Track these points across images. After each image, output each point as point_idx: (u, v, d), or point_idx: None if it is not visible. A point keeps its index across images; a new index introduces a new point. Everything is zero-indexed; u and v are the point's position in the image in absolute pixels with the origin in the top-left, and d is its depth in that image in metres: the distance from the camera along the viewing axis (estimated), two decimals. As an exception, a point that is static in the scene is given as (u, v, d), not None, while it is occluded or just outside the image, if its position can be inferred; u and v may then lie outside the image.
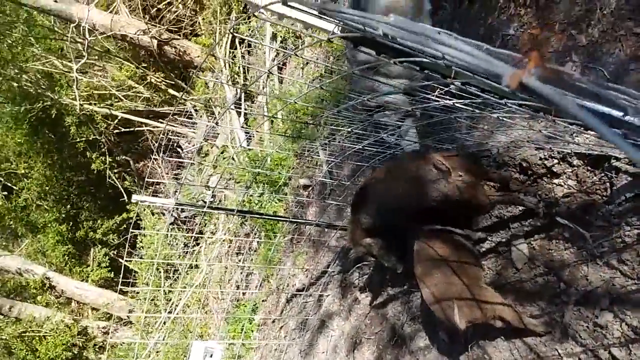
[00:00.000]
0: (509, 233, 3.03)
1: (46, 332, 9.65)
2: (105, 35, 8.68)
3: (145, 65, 9.92)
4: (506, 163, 3.10)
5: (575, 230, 2.58)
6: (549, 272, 2.70)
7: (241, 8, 8.38)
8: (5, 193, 11.34)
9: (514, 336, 2.74)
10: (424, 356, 3.35)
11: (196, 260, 8.17)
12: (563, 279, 2.60)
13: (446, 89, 2.11)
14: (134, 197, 3.44)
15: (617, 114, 1.21)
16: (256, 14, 1.70)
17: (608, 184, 2.54)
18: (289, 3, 1.51)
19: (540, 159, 2.87)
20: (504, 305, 2.63)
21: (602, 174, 2.58)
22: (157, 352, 6.84)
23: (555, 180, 2.82)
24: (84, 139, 10.37)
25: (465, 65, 1.11)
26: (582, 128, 2.02)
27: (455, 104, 2.11)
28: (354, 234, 3.34)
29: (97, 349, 10.30)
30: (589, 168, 2.66)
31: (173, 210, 9.19)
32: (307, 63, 6.59)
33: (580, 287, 2.50)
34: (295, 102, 4.29)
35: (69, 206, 11.45)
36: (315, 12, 1.55)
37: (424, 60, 1.51)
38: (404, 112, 3.07)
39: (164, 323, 7.42)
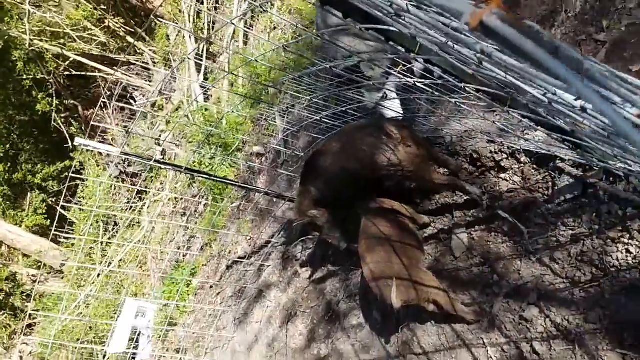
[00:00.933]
0: (452, 221, 3.07)
1: (-29, 275, 9.22)
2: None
3: (105, 7, 9.39)
4: (458, 152, 3.12)
5: (514, 224, 2.63)
6: (485, 263, 2.75)
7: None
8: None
9: (444, 321, 2.80)
10: (356, 334, 3.39)
11: (139, 216, 7.93)
12: (497, 271, 2.66)
13: (409, 65, 2.07)
14: (77, 140, 3.25)
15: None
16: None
17: (551, 183, 2.59)
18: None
19: (491, 152, 2.90)
20: (439, 290, 2.67)
21: (547, 173, 2.63)
22: (87, 305, 6.64)
23: (502, 175, 2.86)
24: (31, 76, 9.79)
25: (428, 22, 1.06)
26: (533, 123, 2.03)
27: (417, 83, 2.08)
28: (301, 204, 3.28)
29: (24, 297, 9.95)
30: (535, 166, 2.71)
31: (119, 163, 8.87)
32: (275, 28, 6.41)
33: (512, 280, 2.56)
34: (257, 62, 4.14)
35: (8, 145, 10.85)
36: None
37: (391, 29, 1.46)
38: (388, 65, 2.97)
39: (98, 276, 7.20)
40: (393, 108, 3.28)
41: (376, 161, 2.76)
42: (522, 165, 2.76)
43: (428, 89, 2.23)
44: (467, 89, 1.82)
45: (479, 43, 0.91)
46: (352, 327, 3.45)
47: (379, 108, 3.30)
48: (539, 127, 2.09)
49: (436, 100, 3.15)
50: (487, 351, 2.50)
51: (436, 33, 1.25)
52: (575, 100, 1.17)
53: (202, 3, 8.10)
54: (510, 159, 2.82)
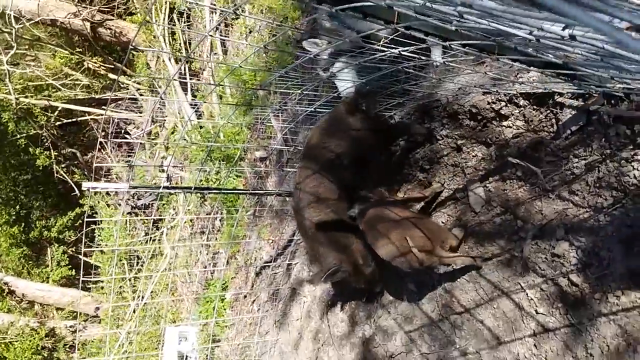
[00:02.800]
0: (465, 178, 3.10)
1: (12, 338, 9.33)
2: (33, 21, 8.19)
3: (81, 50, 9.44)
4: (456, 111, 3.15)
5: (527, 168, 2.66)
6: (506, 211, 2.79)
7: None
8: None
9: (476, 276, 2.84)
10: (396, 308, 3.43)
11: (159, 246, 8.01)
12: (519, 216, 2.70)
13: (391, 37, 2.10)
14: (85, 185, 3.32)
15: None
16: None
17: (554, 120, 2.62)
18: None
19: (489, 103, 2.92)
20: (447, 232, 2.93)
21: (548, 111, 2.65)
22: (130, 342, 6.73)
23: (504, 123, 2.89)
24: (24, 134, 9.85)
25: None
26: (525, 65, 2.06)
27: (401, 52, 2.10)
28: (320, 262, 3.40)
29: (67, 349, 10.06)
30: (535, 107, 2.73)
31: (128, 199, 8.95)
32: (250, 32, 6.43)
33: (536, 221, 2.59)
34: (241, 67, 4.18)
35: (18, 207, 10.96)
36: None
37: (366, 4, 1.49)
38: (338, 46, 3.09)
39: (134, 311, 7.30)
40: (346, 79, 3.40)
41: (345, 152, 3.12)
42: (522, 108, 2.78)
43: (414, 55, 2.26)
44: (452, 46, 1.85)
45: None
46: (390, 303, 3.49)
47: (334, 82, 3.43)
48: (532, 68, 2.12)
49: (424, 65, 3.17)
50: (527, 294, 2.53)
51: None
52: (563, 30, 1.20)
53: (174, 24, 8.13)
54: (509, 105, 2.84)
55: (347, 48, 3.09)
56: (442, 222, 3.22)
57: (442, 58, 2.05)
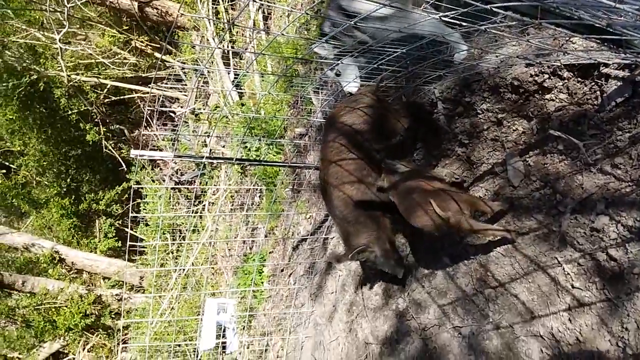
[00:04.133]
0: (505, 152, 3.07)
1: (61, 304, 9.86)
2: (84, 1, 8.48)
3: (128, 29, 9.72)
4: (498, 84, 3.10)
5: (568, 141, 2.61)
6: (545, 185, 2.75)
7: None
8: (4, 171, 11.35)
9: (512, 250, 2.82)
10: (430, 282, 3.45)
11: (201, 220, 8.27)
12: (559, 190, 2.66)
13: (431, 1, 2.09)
14: (133, 152, 3.47)
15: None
16: None
17: (598, 92, 2.55)
18: None
19: (531, 75, 2.87)
20: (471, 196, 3.01)
21: (592, 83, 2.59)
22: (172, 309, 7.03)
23: (547, 95, 2.83)
24: (75, 110, 10.27)
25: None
26: (569, 32, 2.02)
27: (442, 22, 2.10)
28: (349, 241, 3.47)
29: (113, 316, 10.55)
30: (579, 79, 2.66)
31: (172, 175, 9.24)
32: (290, 14, 6.46)
33: (575, 195, 2.55)
34: (283, 36, 4.24)
35: (69, 180, 11.49)
36: None
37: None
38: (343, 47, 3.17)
39: (176, 280, 7.60)
40: (350, 78, 3.52)
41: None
42: (566, 80, 2.72)
43: (457, 22, 2.24)
44: (494, 9, 1.84)
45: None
46: (424, 277, 3.52)
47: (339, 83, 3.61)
48: (575, 34, 2.07)
49: (466, 36, 3.13)
50: (563, 269, 2.51)
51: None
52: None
53: (218, 3, 8.25)
54: (552, 77, 2.78)
55: (351, 46, 3.18)
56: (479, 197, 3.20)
57: (484, 26, 2.03)
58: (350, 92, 3.52)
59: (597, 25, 1.75)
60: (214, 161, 3.99)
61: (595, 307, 2.34)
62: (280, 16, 6.71)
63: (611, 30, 1.77)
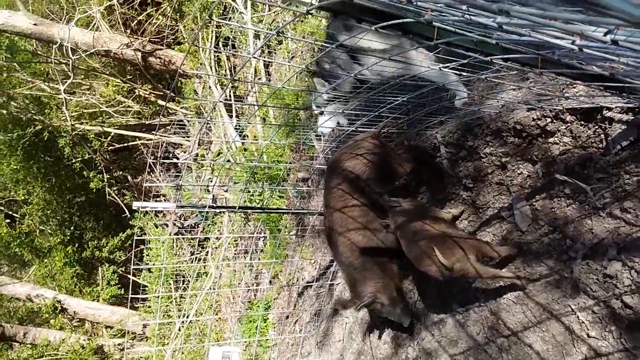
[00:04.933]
0: (511, 197, 3.03)
1: (63, 355, 9.65)
2: (88, 53, 8.67)
3: (132, 78, 9.91)
4: (500, 129, 3.10)
5: (575, 185, 2.58)
6: (554, 230, 2.70)
7: (221, 11, 8.36)
8: (8, 221, 11.33)
9: (523, 297, 2.75)
10: (439, 330, 3.35)
11: (204, 266, 8.18)
12: (568, 235, 2.61)
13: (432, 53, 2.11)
14: (135, 204, 3.47)
15: None
16: None
17: (603, 135, 2.54)
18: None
19: (534, 119, 2.87)
20: (477, 240, 2.92)
21: (596, 127, 2.58)
22: (175, 360, 6.86)
23: (551, 139, 2.83)
24: (79, 159, 10.34)
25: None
26: (570, 79, 2.02)
27: (442, 69, 2.11)
28: (356, 288, 3.41)
29: (115, 366, 10.30)
30: (582, 122, 2.66)
31: (175, 220, 9.20)
32: (292, 57, 6.58)
33: (586, 240, 2.50)
34: (283, 88, 4.30)
35: (72, 228, 11.44)
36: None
37: (406, 20, 1.51)
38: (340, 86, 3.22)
39: (179, 329, 7.44)
40: (325, 119, 3.65)
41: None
42: (569, 124, 2.72)
43: (455, 71, 2.26)
44: (494, 60, 1.84)
45: (495, 2, 0.95)
46: (434, 325, 3.42)
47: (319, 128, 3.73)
48: (577, 81, 2.07)
49: (466, 83, 3.15)
50: (578, 317, 2.43)
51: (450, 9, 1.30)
52: (605, 35, 1.18)
53: (220, 51, 8.43)
54: (555, 121, 2.78)
55: (347, 89, 3.24)
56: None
57: (484, 75, 2.04)
58: (323, 132, 3.71)
59: (600, 73, 1.75)
60: (217, 210, 3.96)
61: (612, 357, 2.25)
62: (281, 65, 6.83)
63: (614, 78, 1.76)
